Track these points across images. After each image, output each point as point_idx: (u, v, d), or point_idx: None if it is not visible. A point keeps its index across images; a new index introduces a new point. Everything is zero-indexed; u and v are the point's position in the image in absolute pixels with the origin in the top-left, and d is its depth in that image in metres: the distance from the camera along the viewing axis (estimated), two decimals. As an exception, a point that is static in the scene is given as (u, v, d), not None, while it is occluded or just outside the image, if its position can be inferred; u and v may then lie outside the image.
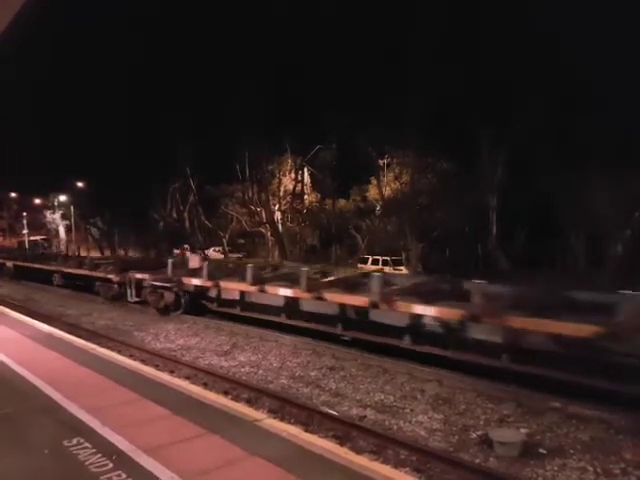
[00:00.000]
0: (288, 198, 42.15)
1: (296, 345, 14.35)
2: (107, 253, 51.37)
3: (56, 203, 69.56)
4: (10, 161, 51.34)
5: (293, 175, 41.87)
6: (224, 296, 18.06)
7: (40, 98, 47.50)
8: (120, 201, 48.45)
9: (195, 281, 18.13)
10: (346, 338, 13.75)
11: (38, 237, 67.70)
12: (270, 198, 41.41)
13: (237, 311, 17.34)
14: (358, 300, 12.67)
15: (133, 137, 42.47)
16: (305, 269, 14.35)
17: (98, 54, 44.96)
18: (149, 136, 41.14)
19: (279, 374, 12.01)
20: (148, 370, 9.62)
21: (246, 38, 36.83)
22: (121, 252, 52.03)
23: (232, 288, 17.01)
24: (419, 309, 11.08)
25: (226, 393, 10.28)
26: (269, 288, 14.98)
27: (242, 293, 16.83)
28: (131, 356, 12.99)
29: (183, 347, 15.02)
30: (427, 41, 26.43)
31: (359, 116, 31.45)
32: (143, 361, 12.61)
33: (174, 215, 50.00)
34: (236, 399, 9.73)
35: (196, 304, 19.15)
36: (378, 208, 36.80)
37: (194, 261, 21.43)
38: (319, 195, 42.50)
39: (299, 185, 42.39)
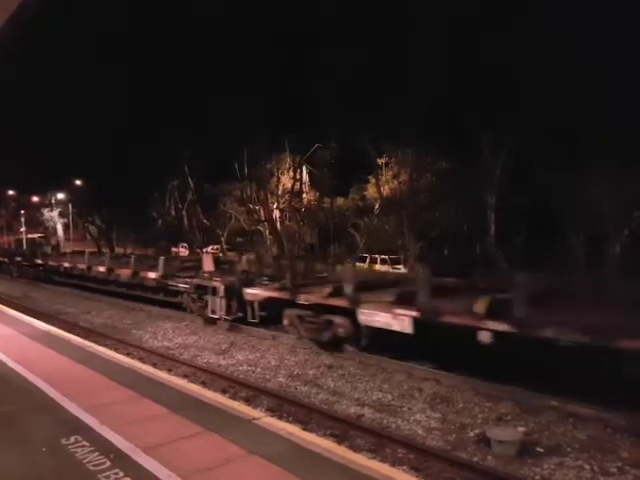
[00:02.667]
0: (287, 196, 42.12)
1: (294, 344, 14.35)
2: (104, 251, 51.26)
3: (54, 201, 69.43)
4: (8, 159, 51.23)
5: (292, 173, 41.85)
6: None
7: (38, 96, 47.39)
8: (118, 199, 48.42)
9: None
10: None
11: (36, 235, 67.61)
12: (269, 196, 41.39)
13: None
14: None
15: (132, 135, 42.41)
16: None
17: (97, 51, 44.93)
18: (148, 134, 41.10)
19: (277, 372, 12.01)
20: (146, 368, 9.62)
21: (246, 36, 36.83)
22: (119, 250, 52.06)
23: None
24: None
25: (224, 391, 10.29)
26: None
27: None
28: (129, 354, 13.00)
29: (181, 345, 15.02)
30: (426, 40, 26.43)
31: (358, 115, 31.42)
32: (141, 359, 12.63)
33: (172, 213, 49.97)
34: (234, 397, 9.74)
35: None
36: (377, 207, 36.81)
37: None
38: (318, 194, 42.50)
39: (298, 183, 42.39)
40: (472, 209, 29.16)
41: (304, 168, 41.98)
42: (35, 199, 72.11)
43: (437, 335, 10.56)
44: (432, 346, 11.13)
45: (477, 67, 25.61)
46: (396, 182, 35.11)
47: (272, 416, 8.07)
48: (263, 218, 41.40)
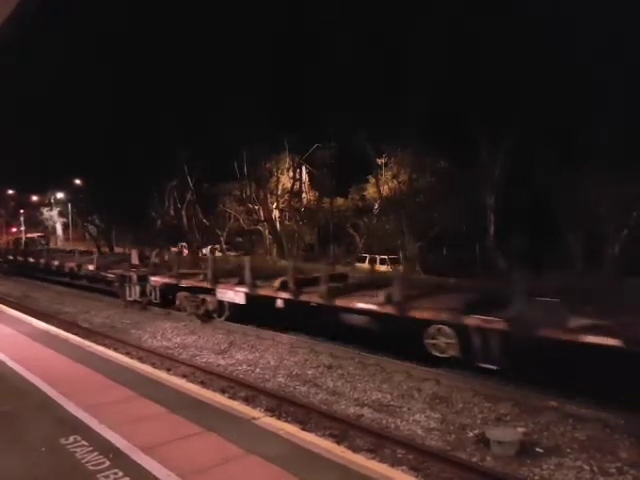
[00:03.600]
0: (286, 196, 42.08)
1: (293, 344, 14.36)
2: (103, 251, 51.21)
3: (53, 200, 69.46)
4: (7, 158, 51.19)
5: (291, 173, 41.83)
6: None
7: (38, 95, 47.29)
8: (118, 199, 48.38)
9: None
10: None
11: (35, 234, 67.64)
12: (268, 196, 41.36)
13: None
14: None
15: (131, 135, 42.33)
16: None
17: (96, 51, 44.83)
18: (147, 134, 41.03)
19: (276, 372, 12.01)
20: (145, 368, 9.62)
21: (245, 36, 36.76)
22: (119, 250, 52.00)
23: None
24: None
25: (223, 391, 10.28)
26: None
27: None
28: (128, 354, 12.98)
29: (180, 345, 15.02)
30: (426, 40, 26.40)
31: (357, 115, 31.40)
32: (140, 359, 12.62)
33: (172, 213, 49.92)
34: (233, 397, 9.73)
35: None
36: (376, 207, 36.80)
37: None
38: (317, 193, 42.49)
39: (297, 183, 42.37)
40: (471, 209, 29.15)
41: (304, 168, 41.95)
42: (34, 198, 72.10)
43: (260, 304, 15.38)
44: (258, 311, 15.67)
45: (476, 66, 25.60)
46: (395, 182, 35.09)
47: (271, 416, 8.07)
48: (262, 218, 41.37)
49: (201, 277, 18.03)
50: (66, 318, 19.64)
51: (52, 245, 63.39)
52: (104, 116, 44.11)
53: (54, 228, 71.38)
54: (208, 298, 17.44)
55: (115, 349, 13.28)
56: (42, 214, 71.76)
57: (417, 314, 11.39)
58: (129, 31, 41.35)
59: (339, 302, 13.27)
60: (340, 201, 40.93)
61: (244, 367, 12.55)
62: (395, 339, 12.03)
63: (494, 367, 10.27)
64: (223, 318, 17.20)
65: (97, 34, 44.59)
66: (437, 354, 11.25)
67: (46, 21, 35.03)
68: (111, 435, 5.97)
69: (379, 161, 35.15)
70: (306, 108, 33.43)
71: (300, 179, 42.49)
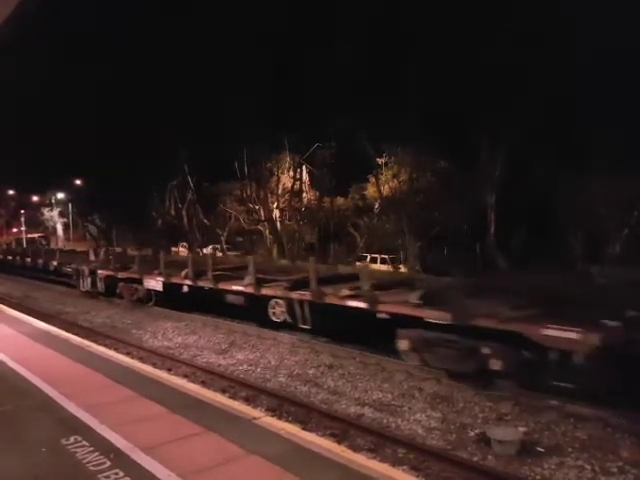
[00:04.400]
0: (286, 196, 42.09)
1: (294, 343, 14.35)
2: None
3: (53, 200, 69.47)
4: (8, 158, 51.21)
5: (292, 173, 41.83)
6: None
7: (38, 95, 47.29)
8: (118, 199, 48.41)
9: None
10: None
11: (36, 234, 67.71)
12: (268, 196, 41.36)
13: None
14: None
15: (132, 135, 42.31)
16: None
17: (97, 51, 44.82)
18: (148, 134, 41.03)
19: (277, 372, 12.00)
20: (146, 368, 9.62)
21: (245, 35, 36.73)
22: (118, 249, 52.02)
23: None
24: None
25: (224, 391, 10.27)
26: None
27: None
28: (129, 354, 12.99)
29: (181, 345, 15.02)
30: (425, 40, 26.40)
31: (357, 114, 31.41)
32: (141, 359, 12.63)
33: (172, 213, 49.93)
34: (234, 397, 9.72)
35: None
36: (376, 206, 36.79)
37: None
38: (317, 193, 42.47)
39: (297, 183, 42.35)
40: (472, 208, 29.15)
41: (304, 168, 41.93)
42: (35, 198, 72.12)
43: (173, 290, 19.06)
44: (173, 296, 19.24)
45: (474, 66, 25.60)
46: (396, 181, 35.07)
47: (272, 416, 8.07)
48: (263, 218, 41.37)
49: (133, 269, 21.83)
50: (67, 318, 19.66)
51: (53, 245, 63.43)
52: (105, 116, 44.12)
53: (55, 228, 71.38)
54: (139, 287, 20.88)
55: (116, 349, 13.29)
56: (43, 214, 71.77)
57: (264, 292, 15.22)
58: (130, 31, 41.38)
59: (222, 285, 17.00)
60: (340, 201, 40.90)
61: (245, 367, 12.55)
62: (253, 310, 16.02)
63: (308, 327, 14.05)
64: (152, 303, 20.56)
65: (97, 34, 44.63)
66: (275, 319, 15.07)
67: (46, 21, 35.02)
68: (112, 435, 5.97)
69: (379, 160, 35.14)
70: (306, 108, 33.41)
71: (300, 179, 42.46)
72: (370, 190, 37.78)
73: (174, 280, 19.07)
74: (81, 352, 10.49)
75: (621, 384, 8.08)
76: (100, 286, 23.62)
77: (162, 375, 9.13)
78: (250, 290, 15.69)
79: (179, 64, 38.85)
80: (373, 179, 36.18)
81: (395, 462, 7.20)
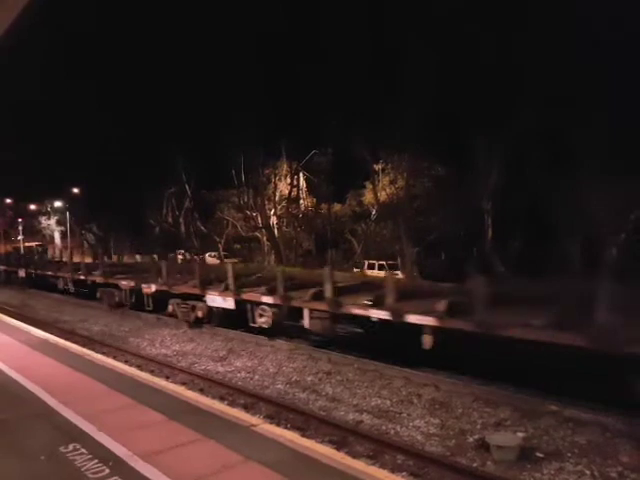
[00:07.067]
0: (284, 203, 42.12)
1: (292, 350, 14.33)
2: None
3: (50, 209, 69.31)
4: (5, 167, 51.17)
5: (289, 180, 41.90)
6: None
7: (36, 103, 47.39)
8: (116, 207, 48.40)
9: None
10: None
11: (34, 243, 67.50)
12: (266, 203, 41.40)
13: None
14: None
15: (129, 142, 42.41)
16: None
17: (95, 57, 44.99)
18: (145, 141, 41.14)
19: (275, 379, 11.99)
20: (144, 376, 9.60)
21: (242, 43, 36.90)
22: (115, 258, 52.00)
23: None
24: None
25: (222, 399, 10.26)
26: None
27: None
28: (126, 362, 12.96)
29: (179, 353, 14.98)
30: (424, 47, 26.51)
31: (354, 121, 31.51)
32: (139, 367, 12.59)
33: (170, 220, 49.93)
34: (232, 404, 9.71)
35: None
36: (374, 213, 36.86)
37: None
38: (315, 200, 42.53)
39: (295, 190, 42.41)
40: (469, 214, 29.21)
41: (301, 174, 41.99)
42: (32, 207, 71.93)
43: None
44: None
45: (471, 72, 25.72)
46: (393, 188, 35.15)
47: (270, 423, 8.04)
48: (260, 224, 41.38)
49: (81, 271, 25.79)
50: (64, 327, 19.60)
51: (50, 254, 63.22)
52: (102, 124, 44.20)
53: (52, 237, 71.19)
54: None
55: (114, 357, 13.25)
56: (40, 223, 71.59)
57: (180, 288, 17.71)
58: (128, 39, 41.51)
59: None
60: (338, 207, 40.97)
61: (243, 374, 12.53)
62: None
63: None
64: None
65: (95, 44, 44.78)
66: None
67: (44, 30, 35.11)
68: (110, 443, 5.95)
69: (376, 167, 35.23)
70: (303, 115, 33.54)
71: (298, 185, 42.52)
72: (367, 196, 37.86)
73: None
74: (79, 360, 10.46)
75: None
76: (69, 286, 25.91)
77: (160, 383, 9.10)
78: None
79: (177, 73, 39.03)
80: (370, 185, 36.25)
81: (394, 468, 7.20)
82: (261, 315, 14.95)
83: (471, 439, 8.37)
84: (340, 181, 37.73)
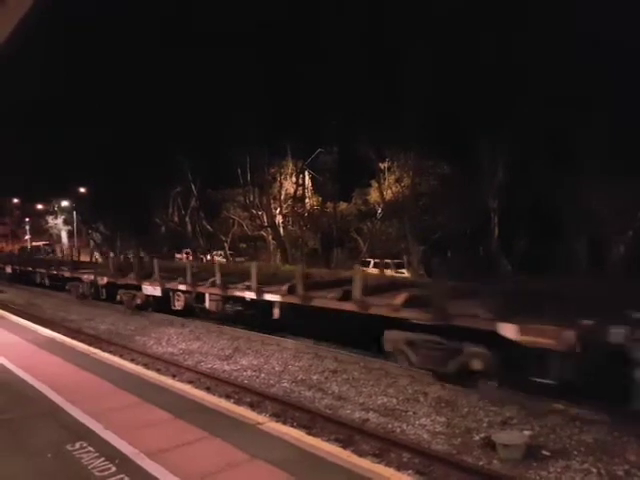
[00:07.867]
0: (289, 202, 42.11)
1: (298, 349, 14.35)
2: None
3: (57, 208, 69.64)
4: (12, 166, 51.45)
5: (294, 179, 41.86)
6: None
7: (42, 103, 47.61)
8: (122, 206, 48.54)
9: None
10: None
11: (41, 243, 67.85)
12: (271, 202, 41.40)
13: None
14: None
15: (135, 142, 42.50)
16: None
17: (100, 57, 45.08)
18: (151, 141, 41.22)
19: (281, 378, 12.00)
20: (150, 374, 9.64)
21: (246, 42, 36.90)
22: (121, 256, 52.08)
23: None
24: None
25: (228, 397, 10.29)
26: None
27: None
28: (133, 360, 13.01)
29: (185, 351, 15.02)
30: (427, 46, 26.44)
31: (360, 120, 31.46)
32: (145, 365, 12.64)
33: (176, 219, 50.02)
34: (238, 403, 9.71)
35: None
36: (379, 211, 36.81)
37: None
38: (320, 198, 42.48)
39: (300, 189, 42.38)
40: (475, 212, 29.13)
41: (306, 173, 41.97)
42: (39, 207, 72.30)
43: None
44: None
45: (475, 71, 25.64)
46: (399, 186, 35.09)
47: (276, 421, 8.05)
48: (266, 223, 41.40)
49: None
50: (71, 325, 19.69)
51: (58, 253, 63.52)
52: (108, 124, 44.34)
53: (59, 236, 71.53)
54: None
55: (120, 356, 13.30)
56: (47, 222, 71.95)
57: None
58: (132, 42, 41.61)
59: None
60: (343, 206, 40.90)
61: (249, 372, 12.55)
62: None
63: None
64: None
65: (101, 39, 44.90)
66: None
67: (51, 29, 35.26)
68: (117, 441, 5.98)
69: (382, 165, 35.18)
70: (309, 113, 33.49)
71: (303, 184, 42.48)
72: (373, 195, 37.80)
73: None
74: (86, 359, 10.51)
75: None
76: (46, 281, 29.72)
77: (167, 381, 9.13)
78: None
79: (181, 73, 39.04)
80: (376, 184, 36.20)
81: (400, 467, 7.20)
82: (177, 300, 18.88)
83: (477, 437, 8.35)
84: (345, 180, 37.67)
